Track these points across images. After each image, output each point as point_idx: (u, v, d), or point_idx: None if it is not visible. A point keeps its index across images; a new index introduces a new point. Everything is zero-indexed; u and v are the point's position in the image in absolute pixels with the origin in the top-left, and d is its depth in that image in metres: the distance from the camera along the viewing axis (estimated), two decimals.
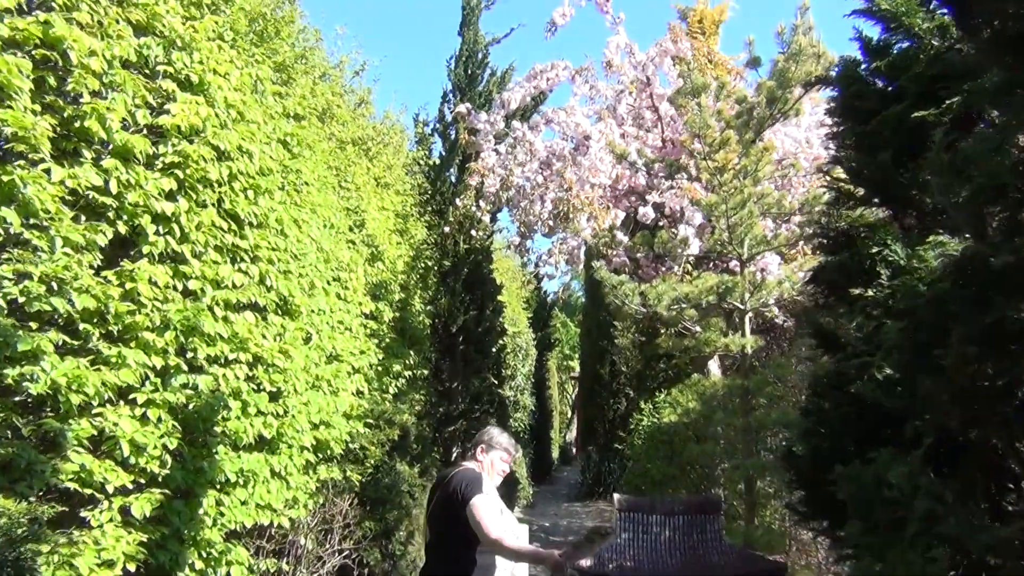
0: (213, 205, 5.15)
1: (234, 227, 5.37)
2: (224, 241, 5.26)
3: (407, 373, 9.91)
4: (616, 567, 4.67)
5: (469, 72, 14.18)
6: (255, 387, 5.60)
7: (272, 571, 6.06)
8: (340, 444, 7.14)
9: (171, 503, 4.58)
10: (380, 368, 9.00)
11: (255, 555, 5.86)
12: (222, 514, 5.18)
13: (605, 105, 11.09)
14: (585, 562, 4.69)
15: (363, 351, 8.38)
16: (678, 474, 8.41)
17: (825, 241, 3.71)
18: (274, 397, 5.90)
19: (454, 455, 11.42)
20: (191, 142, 4.91)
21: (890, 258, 3.00)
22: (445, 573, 3.97)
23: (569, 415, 33.64)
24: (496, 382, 12.43)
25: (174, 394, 4.69)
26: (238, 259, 5.48)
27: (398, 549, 7.29)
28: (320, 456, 6.84)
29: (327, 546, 6.36)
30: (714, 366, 10.96)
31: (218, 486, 5.18)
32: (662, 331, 11.09)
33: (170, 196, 4.74)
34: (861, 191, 3.60)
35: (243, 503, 5.41)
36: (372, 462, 7.53)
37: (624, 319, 15.26)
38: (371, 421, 7.80)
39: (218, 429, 5.24)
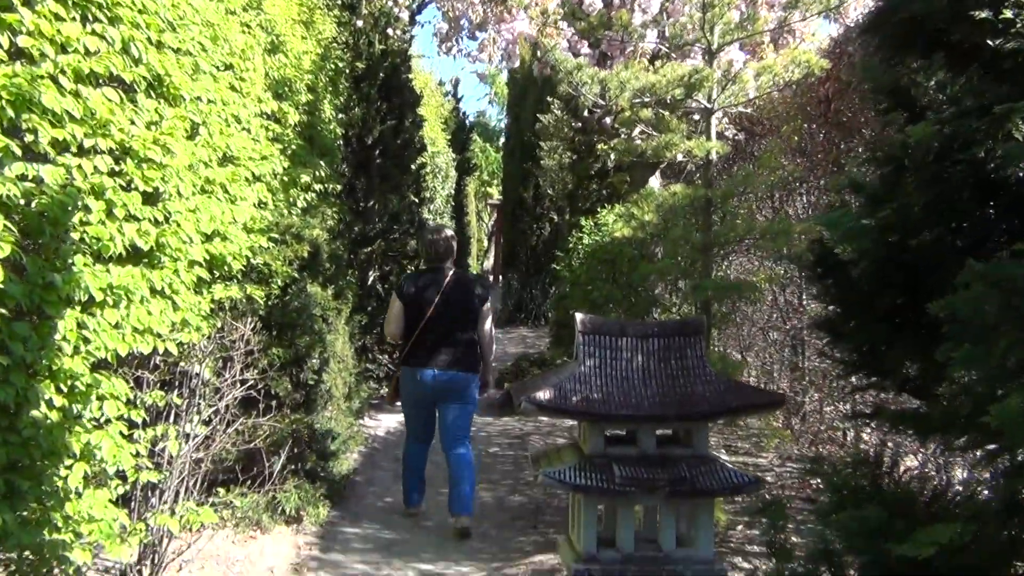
0: None
1: None
2: None
3: (317, 186, 8.75)
4: (581, 399, 3.82)
5: None
6: (123, 184, 4.42)
7: (161, 405, 5.08)
8: (240, 260, 6.06)
9: (10, 326, 3.48)
10: (286, 178, 7.80)
11: (136, 387, 4.86)
12: (87, 340, 4.10)
13: None
14: (544, 395, 3.82)
15: (264, 156, 7.16)
16: (620, 296, 7.68)
17: None
18: (151, 199, 4.70)
19: (371, 279, 10.48)
20: None
21: None
22: (465, 358, 5.45)
23: (486, 243, 32.92)
24: (417, 201, 11.34)
25: (5, 185, 3.51)
26: (90, 18, 4.16)
27: (311, 378, 6.39)
28: (215, 274, 5.79)
29: (226, 376, 5.39)
30: (655, 183, 10.09)
31: (78, 306, 4.08)
32: (600, 145, 10.07)
33: None
34: None
35: (115, 326, 4.33)
36: (279, 282, 6.49)
37: (551, 138, 14.17)
38: (276, 236, 6.70)
39: (74, 235, 4.09)
